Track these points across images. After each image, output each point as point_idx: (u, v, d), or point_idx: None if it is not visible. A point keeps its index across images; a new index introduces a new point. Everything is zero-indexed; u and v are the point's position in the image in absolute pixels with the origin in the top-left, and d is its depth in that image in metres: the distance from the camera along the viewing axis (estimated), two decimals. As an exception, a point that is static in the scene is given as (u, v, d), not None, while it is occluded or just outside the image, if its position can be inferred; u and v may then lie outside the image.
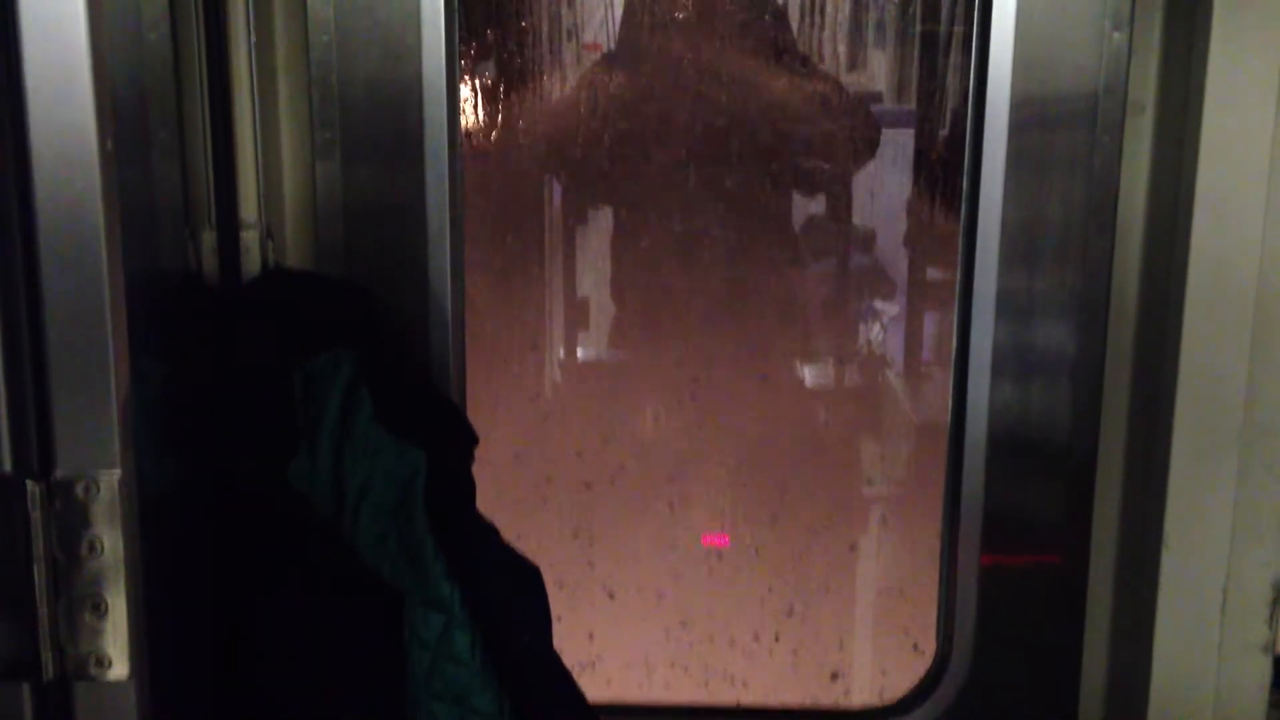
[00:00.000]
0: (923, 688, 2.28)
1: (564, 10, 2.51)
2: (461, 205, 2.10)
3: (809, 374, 2.60)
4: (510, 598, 1.88)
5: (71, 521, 1.11)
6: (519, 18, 2.45)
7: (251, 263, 2.02)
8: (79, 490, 1.11)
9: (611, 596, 2.56)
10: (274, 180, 2.05)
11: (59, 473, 1.11)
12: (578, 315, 2.64)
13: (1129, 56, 1.97)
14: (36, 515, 1.10)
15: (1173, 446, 1.99)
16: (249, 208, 2.02)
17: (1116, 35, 1.96)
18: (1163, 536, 2.02)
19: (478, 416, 2.12)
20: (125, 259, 1.12)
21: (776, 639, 2.55)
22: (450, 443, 1.94)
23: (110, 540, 1.11)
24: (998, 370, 2.09)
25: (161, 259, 1.92)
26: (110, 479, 1.11)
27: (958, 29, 2.36)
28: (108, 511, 1.11)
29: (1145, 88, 2.02)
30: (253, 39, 1.98)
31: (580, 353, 2.66)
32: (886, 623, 2.55)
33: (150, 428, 1.63)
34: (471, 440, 1.99)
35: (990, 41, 1.98)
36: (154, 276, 1.89)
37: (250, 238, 2.02)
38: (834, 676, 2.55)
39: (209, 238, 1.98)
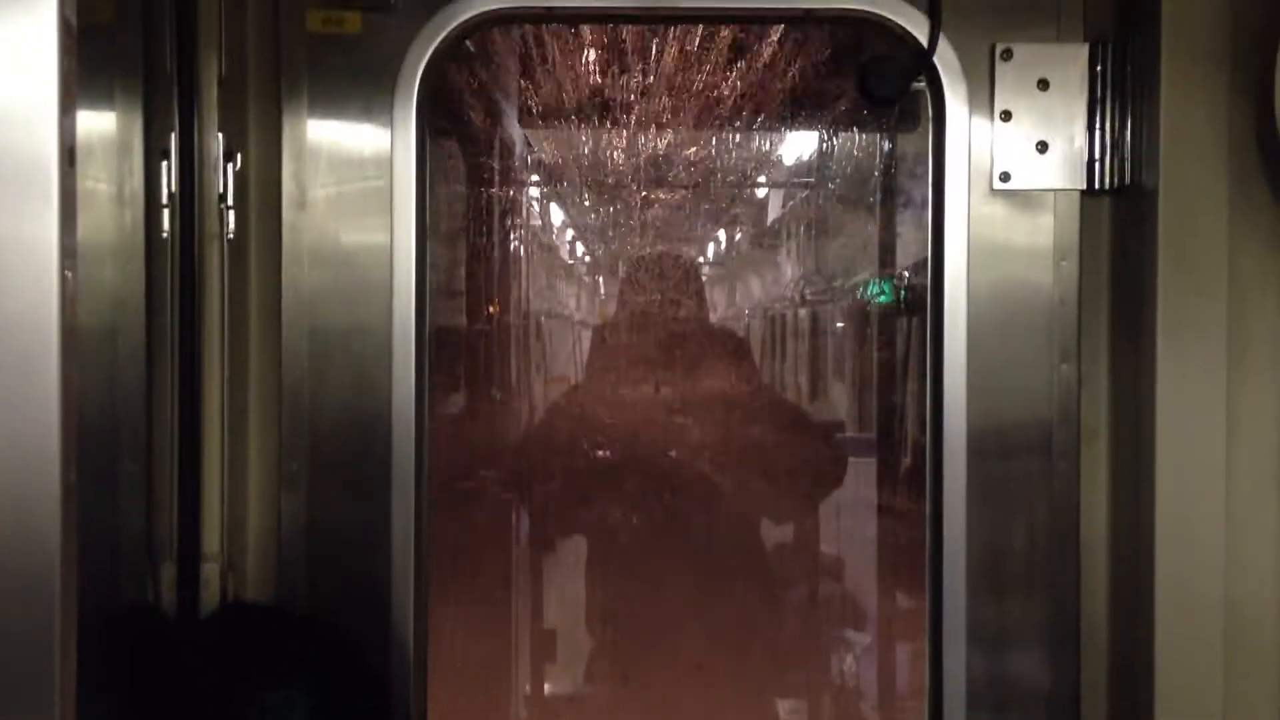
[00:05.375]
0: None
1: (532, 344, 2.59)
2: (428, 537, 2.09)
3: (784, 709, 2.54)
4: None
5: None
6: (487, 354, 2.52)
7: (211, 595, 1.99)
8: (10, 838, 1.05)
9: None
10: (239, 512, 2.04)
11: (-9, 819, 1.05)
12: (543, 647, 2.58)
13: (1079, 386, 2.03)
14: None
15: (1156, 779, 1.92)
16: (212, 539, 2.01)
17: (1064, 367, 2.03)
18: None
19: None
20: (81, 593, 1.10)
21: None
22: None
23: None
24: (973, 703, 2.04)
25: (120, 592, 1.89)
26: (45, 826, 1.05)
27: (913, 361, 2.44)
28: None
29: (1097, 415, 2.06)
30: (226, 373, 2.03)
31: (547, 687, 2.59)
32: None
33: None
34: (431, 782, 1.91)
35: (944, 374, 2.04)
36: (111, 610, 1.85)
37: (211, 570, 2.00)
38: None
39: (169, 571, 1.96)
